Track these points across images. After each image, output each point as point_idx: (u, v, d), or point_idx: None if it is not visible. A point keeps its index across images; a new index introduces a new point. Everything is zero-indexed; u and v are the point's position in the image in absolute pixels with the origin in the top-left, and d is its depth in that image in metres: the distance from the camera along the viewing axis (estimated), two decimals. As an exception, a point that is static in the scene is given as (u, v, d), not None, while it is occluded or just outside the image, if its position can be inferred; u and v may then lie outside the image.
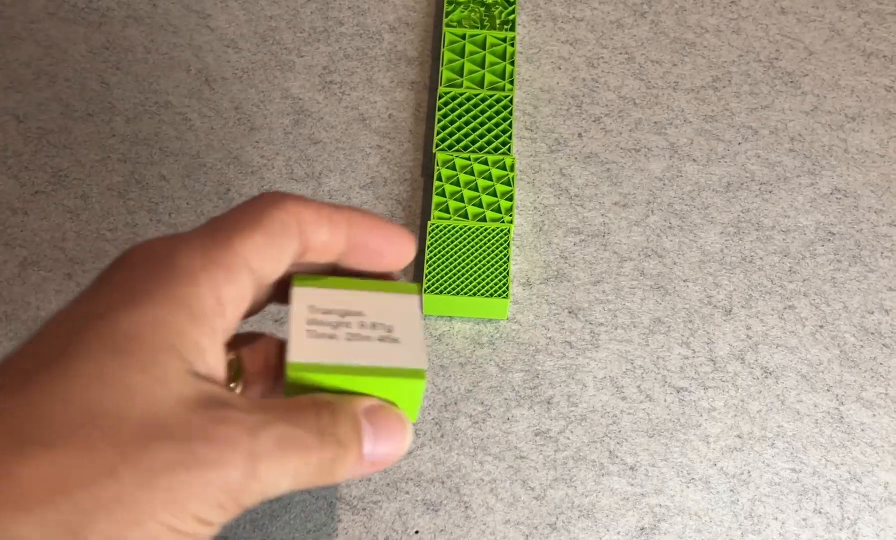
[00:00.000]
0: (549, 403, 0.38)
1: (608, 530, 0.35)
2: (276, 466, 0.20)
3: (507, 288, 0.39)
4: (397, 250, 0.24)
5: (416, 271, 0.41)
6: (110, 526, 0.18)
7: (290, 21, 0.48)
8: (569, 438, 0.37)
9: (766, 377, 0.38)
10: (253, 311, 0.23)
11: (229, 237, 0.21)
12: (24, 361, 0.19)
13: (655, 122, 0.45)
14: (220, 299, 0.20)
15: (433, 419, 0.37)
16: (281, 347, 0.26)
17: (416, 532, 0.35)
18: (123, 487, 0.18)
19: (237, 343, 0.24)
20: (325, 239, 0.23)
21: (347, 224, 0.23)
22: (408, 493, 0.35)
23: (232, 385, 0.24)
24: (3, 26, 0.47)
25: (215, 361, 0.20)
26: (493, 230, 0.40)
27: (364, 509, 0.35)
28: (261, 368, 0.25)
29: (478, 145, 0.42)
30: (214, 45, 0.47)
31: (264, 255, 0.21)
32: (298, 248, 0.22)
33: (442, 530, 0.35)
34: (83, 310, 0.20)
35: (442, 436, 0.37)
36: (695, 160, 0.44)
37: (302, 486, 0.21)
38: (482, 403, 0.38)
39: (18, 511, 0.17)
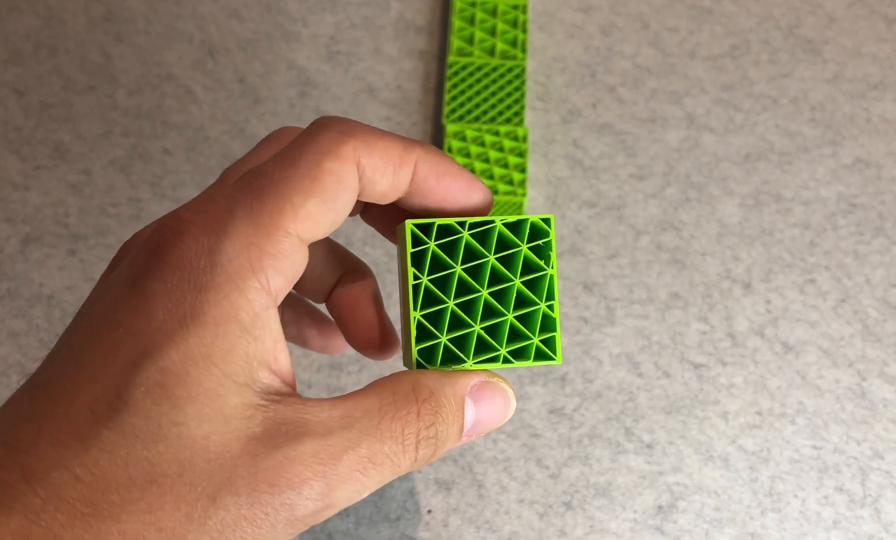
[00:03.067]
0: (563, 379, 0.37)
1: (624, 509, 0.34)
2: (356, 488, 0.19)
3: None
4: (464, 203, 0.21)
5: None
6: None
7: (295, -10, 0.47)
8: (584, 416, 0.36)
9: (786, 352, 0.37)
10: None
11: (277, 217, 0.19)
12: (79, 414, 0.18)
13: (671, 92, 0.44)
14: (271, 291, 0.19)
15: (445, 396, 0.37)
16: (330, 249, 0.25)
17: (429, 511, 0.34)
18: None
19: None
20: (385, 188, 0.20)
21: (413, 167, 0.21)
22: (420, 471, 0.35)
23: None
24: (0, -3, 0.46)
25: (274, 353, 0.19)
26: (505, 203, 0.39)
27: (375, 488, 0.35)
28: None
29: (488, 116, 0.41)
30: (217, 15, 0.46)
31: (320, 221, 0.19)
32: (356, 196, 0.20)
33: (455, 509, 0.34)
34: (127, 340, 0.18)
35: (454, 413, 0.36)
36: (712, 130, 0.43)
37: (383, 484, 0.20)
38: (495, 380, 0.37)
39: None
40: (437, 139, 0.43)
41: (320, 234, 0.20)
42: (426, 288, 0.22)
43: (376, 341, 0.24)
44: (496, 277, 0.22)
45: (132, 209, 0.41)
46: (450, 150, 0.40)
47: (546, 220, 0.22)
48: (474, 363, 0.22)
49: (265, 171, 0.19)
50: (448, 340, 0.22)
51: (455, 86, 0.42)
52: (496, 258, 0.22)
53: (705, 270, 0.39)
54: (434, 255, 0.22)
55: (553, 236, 0.22)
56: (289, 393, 0.19)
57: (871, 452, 0.35)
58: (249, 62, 0.45)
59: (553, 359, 0.22)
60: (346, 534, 0.34)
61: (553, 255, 0.22)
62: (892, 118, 0.44)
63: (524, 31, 0.44)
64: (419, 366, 0.22)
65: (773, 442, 0.35)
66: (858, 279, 0.39)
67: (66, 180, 0.41)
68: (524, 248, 0.22)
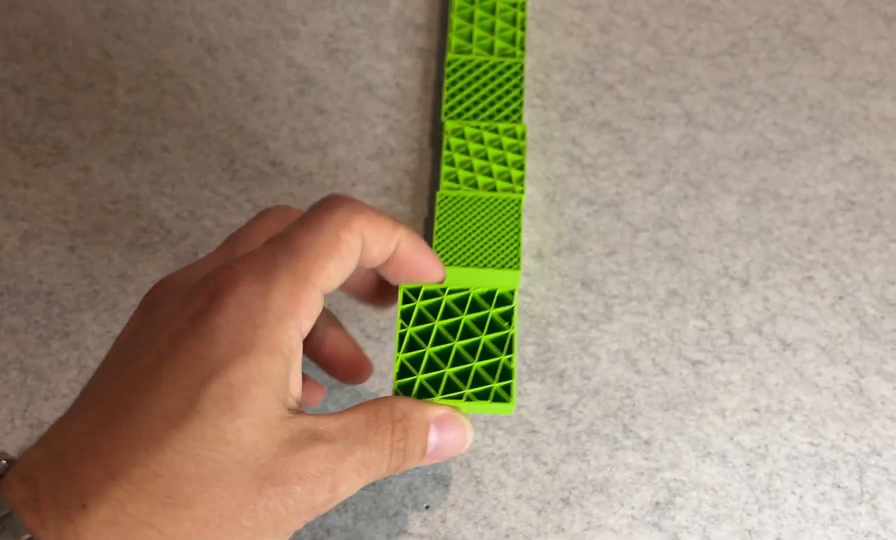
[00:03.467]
0: (561, 376, 0.37)
1: (622, 505, 0.34)
2: (352, 484, 0.24)
3: (518, 259, 0.38)
4: (429, 275, 0.28)
5: (426, 238, 0.40)
6: None
7: (294, -13, 0.47)
8: (581, 412, 0.36)
9: (784, 349, 0.37)
10: None
11: (309, 273, 0.24)
12: (155, 421, 0.22)
13: (670, 89, 0.44)
14: (302, 331, 0.24)
15: (443, 393, 0.37)
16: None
17: (427, 507, 0.34)
18: (244, 533, 0.22)
19: None
20: (376, 255, 0.26)
21: (397, 241, 0.27)
22: (418, 468, 0.35)
23: None
24: (0, -5, 0.46)
25: (296, 381, 0.24)
26: (504, 200, 0.39)
27: (373, 484, 0.35)
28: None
29: (487, 113, 0.41)
30: (216, 13, 0.46)
31: (335, 279, 0.25)
32: (358, 259, 0.26)
33: (452, 505, 0.34)
34: (196, 363, 0.22)
35: (452, 410, 0.36)
36: (711, 128, 0.43)
37: (367, 483, 0.25)
38: (493, 377, 0.37)
39: None
40: (435, 136, 0.43)
41: (332, 288, 0.25)
42: (411, 336, 0.28)
43: (360, 372, 0.30)
44: (468, 332, 0.28)
45: (131, 206, 0.41)
46: (448, 147, 0.40)
47: (511, 292, 0.29)
48: (441, 398, 0.27)
49: (296, 235, 0.25)
50: (424, 379, 0.28)
51: (454, 83, 0.42)
52: (469, 318, 0.28)
53: (703, 267, 0.39)
54: (420, 311, 0.28)
55: (516, 304, 0.28)
56: (298, 409, 0.24)
57: (869, 449, 0.35)
58: (248, 60, 0.45)
59: (507, 401, 0.27)
60: (345, 529, 0.34)
61: (515, 318, 0.28)
62: (891, 116, 0.44)
63: (523, 28, 0.44)
64: (396, 394, 0.28)
65: (771, 439, 0.36)
66: (856, 277, 0.39)
67: (65, 177, 0.42)
68: (491, 311, 0.29)
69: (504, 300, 0.29)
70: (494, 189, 0.39)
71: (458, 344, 0.28)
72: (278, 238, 0.25)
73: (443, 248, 0.38)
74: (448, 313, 0.29)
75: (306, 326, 0.24)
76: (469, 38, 0.44)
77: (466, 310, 0.29)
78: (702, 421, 0.36)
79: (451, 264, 0.38)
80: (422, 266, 0.28)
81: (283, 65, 0.45)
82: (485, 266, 0.38)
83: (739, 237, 0.40)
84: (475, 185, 0.40)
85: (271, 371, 0.23)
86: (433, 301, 0.29)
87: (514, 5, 0.44)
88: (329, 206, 0.25)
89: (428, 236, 0.40)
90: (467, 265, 0.38)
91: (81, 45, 0.45)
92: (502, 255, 0.38)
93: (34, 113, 0.43)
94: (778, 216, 0.41)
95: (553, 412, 0.36)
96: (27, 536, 0.20)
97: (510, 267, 0.38)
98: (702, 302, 0.39)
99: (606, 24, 0.46)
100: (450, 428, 0.27)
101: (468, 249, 0.38)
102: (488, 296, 0.29)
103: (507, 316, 0.29)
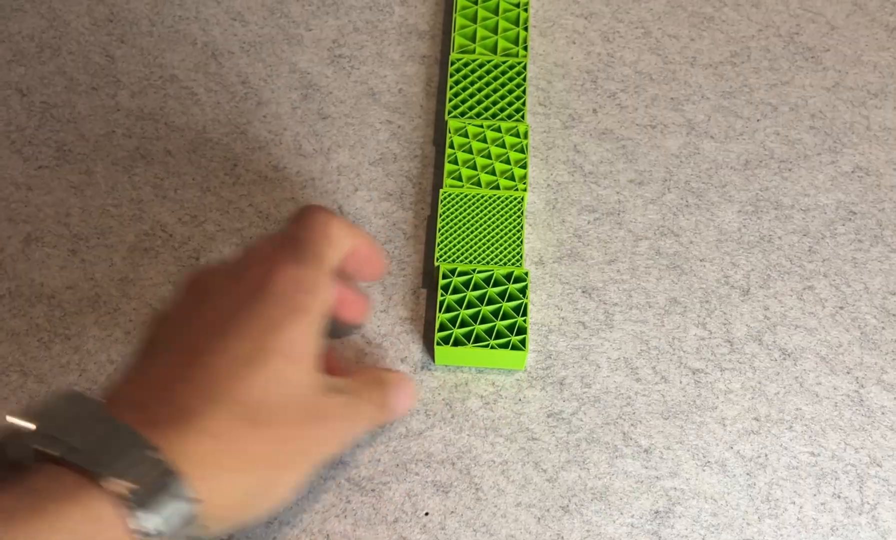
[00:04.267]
0: (561, 383, 0.37)
1: (621, 513, 0.34)
2: (359, 428, 0.32)
3: (521, 257, 0.38)
4: (376, 270, 0.34)
5: (429, 241, 0.40)
6: (305, 463, 0.29)
7: (298, -7, 0.47)
8: (581, 420, 0.36)
9: (784, 359, 0.37)
10: None
11: (323, 259, 0.30)
12: (231, 362, 0.27)
13: (672, 98, 0.44)
14: (325, 303, 0.30)
15: (443, 400, 0.37)
16: None
17: (426, 513, 0.34)
18: (298, 448, 0.29)
19: None
20: (346, 246, 0.32)
21: (355, 236, 0.32)
22: (417, 474, 0.35)
23: None
24: (5, -2, 0.47)
25: (320, 342, 0.30)
26: (507, 198, 0.39)
27: (373, 490, 0.35)
28: None
29: (490, 112, 0.41)
30: (221, 18, 0.47)
31: (334, 261, 0.31)
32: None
33: (452, 512, 0.34)
34: (260, 320, 0.28)
35: (452, 416, 0.36)
36: (712, 137, 0.43)
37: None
38: (493, 384, 0.37)
39: (244, 470, 0.27)
40: (438, 142, 0.43)
41: (332, 268, 0.31)
42: (448, 303, 0.37)
43: (366, 309, 0.35)
44: (492, 301, 0.37)
45: (134, 210, 0.41)
46: (451, 145, 0.41)
47: (526, 273, 0.37)
48: (472, 347, 0.36)
49: (299, 233, 0.30)
50: (459, 333, 0.36)
51: (457, 82, 0.42)
52: (494, 291, 0.37)
53: (704, 275, 0.40)
54: (455, 285, 0.37)
55: (528, 282, 0.37)
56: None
57: (869, 460, 0.35)
58: (252, 65, 0.45)
59: (522, 350, 0.35)
60: (345, 535, 0.34)
61: (527, 291, 0.37)
62: (892, 126, 0.44)
63: (525, 28, 0.44)
64: (438, 345, 0.36)
65: (771, 448, 0.35)
66: (857, 286, 0.39)
67: (67, 180, 0.42)
68: (510, 287, 0.37)
69: (520, 278, 0.37)
70: (497, 187, 0.39)
71: (485, 309, 0.37)
72: (282, 236, 0.31)
73: (445, 246, 0.38)
74: (477, 287, 0.37)
75: (332, 295, 0.30)
76: (472, 39, 0.44)
77: (491, 284, 0.37)
78: (702, 430, 0.36)
79: (453, 262, 0.38)
80: (373, 257, 0.34)
81: (287, 70, 0.45)
82: (487, 263, 0.38)
83: (740, 246, 0.40)
84: (478, 183, 0.40)
85: (314, 329, 0.29)
86: (466, 278, 0.37)
87: (517, 5, 0.44)
88: (311, 212, 0.32)
89: (430, 236, 0.40)
90: (469, 262, 0.38)
91: (85, 48, 0.45)
92: (504, 254, 0.38)
93: (37, 116, 0.43)
94: (779, 225, 0.41)
95: (553, 420, 0.36)
96: (153, 447, 0.25)
97: (512, 265, 0.38)
98: (702, 310, 0.39)
99: (609, 33, 0.46)
100: (404, 388, 0.34)
101: (471, 247, 0.39)
102: (507, 275, 0.37)
103: (523, 290, 0.37)
